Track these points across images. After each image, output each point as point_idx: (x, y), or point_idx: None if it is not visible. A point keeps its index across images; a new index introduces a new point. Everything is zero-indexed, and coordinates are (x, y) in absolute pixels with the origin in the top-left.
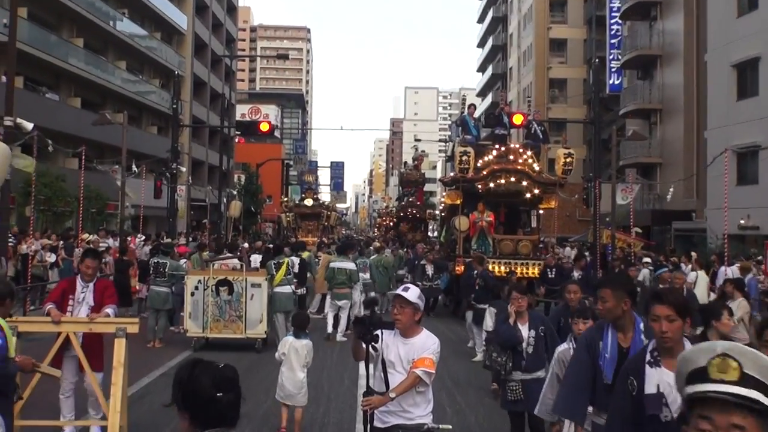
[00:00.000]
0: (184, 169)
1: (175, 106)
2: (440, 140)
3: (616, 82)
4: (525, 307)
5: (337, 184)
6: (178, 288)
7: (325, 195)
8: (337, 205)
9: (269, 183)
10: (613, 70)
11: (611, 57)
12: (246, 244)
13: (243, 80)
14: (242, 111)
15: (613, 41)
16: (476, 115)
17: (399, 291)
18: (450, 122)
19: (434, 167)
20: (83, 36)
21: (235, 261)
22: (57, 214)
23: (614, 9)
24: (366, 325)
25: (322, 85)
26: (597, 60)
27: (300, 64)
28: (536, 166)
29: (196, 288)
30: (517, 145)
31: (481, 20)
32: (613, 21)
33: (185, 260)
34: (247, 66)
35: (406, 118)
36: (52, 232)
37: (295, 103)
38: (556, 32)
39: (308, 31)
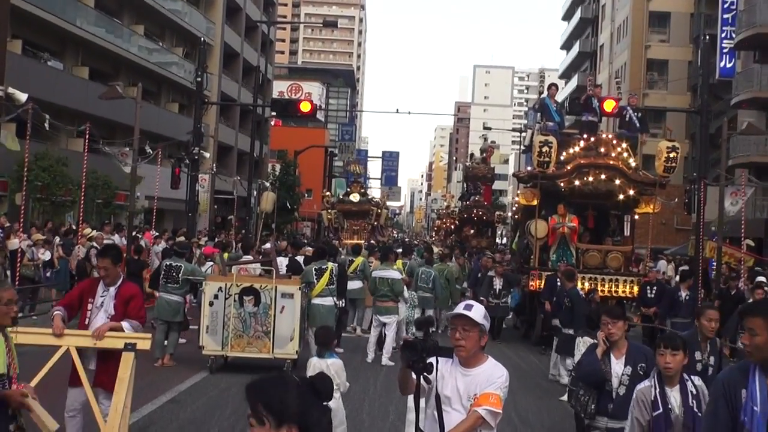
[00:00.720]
0: (207, 155)
1: (199, 79)
2: (514, 129)
3: (729, 66)
4: (619, 335)
5: (389, 178)
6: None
7: (375, 191)
8: (390, 203)
9: (310, 174)
10: (725, 50)
11: (723, 35)
12: (268, 245)
13: (283, 52)
14: (280, 88)
15: (726, 16)
16: (559, 98)
17: (461, 309)
18: (527, 108)
19: (506, 161)
20: None
21: (257, 265)
22: (56, 204)
23: None
24: (418, 351)
25: (377, 61)
26: (707, 37)
27: (351, 35)
28: (632, 162)
29: (216, 297)
30: (610, 136)
31: None
32: None
33: (211, 263)
34: (288, 36)
35: (474, 102)
36: (52, 226)
37: (344, 80)
38: (658, 4)
39: None
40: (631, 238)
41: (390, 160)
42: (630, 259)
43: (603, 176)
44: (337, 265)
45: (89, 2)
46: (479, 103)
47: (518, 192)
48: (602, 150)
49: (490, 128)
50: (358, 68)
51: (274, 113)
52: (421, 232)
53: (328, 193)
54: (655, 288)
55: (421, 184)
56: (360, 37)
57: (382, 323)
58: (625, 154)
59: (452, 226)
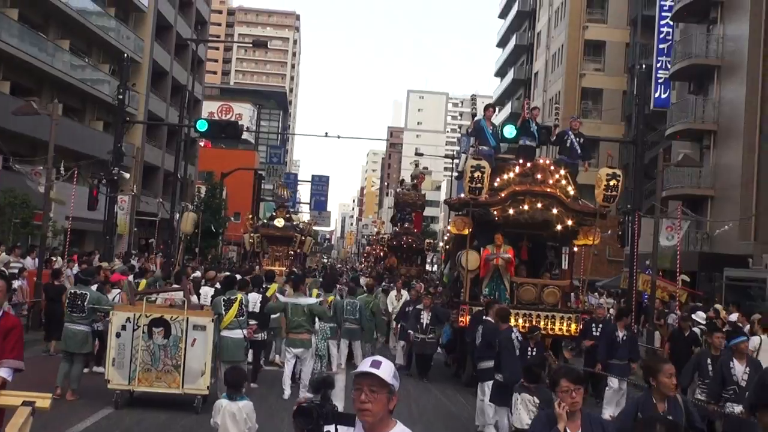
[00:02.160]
0: (127, 175)
1: (120, 96)
2: (447, 156)
3: (664, 96)
4: (580, 404)
5: (318, 203)
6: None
7: (304, 215)
8: (320, 228)
9: (239, 198)
10: (660, 81)
11: (659, 65)
12: (197, 273)
13: (215, 72)
14: (211, 109)
15: (662, 46)
16: (494, 119)
17: (367, 366)
18: (460, 134)
19: (438, 188)
20: (18, 7)
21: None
22: None
23: (665, 8)
24: (313, 418)
25: (311, 83)
26: (643, 66)
27: (284, 57)
28: (571, 190)
29: (124, 328)
30: (547, 161)
31: (503, 15)
32: (663, 22)
33: (119, 292)
34: (221, 56)
35: (407, 127)
36: None
37: (276, 102)
38: (594, 33)
39: (297, 17)
40: (570, 272)
41: (320, 184)
42: (568, 294)
43: (539, 205)
44: (258, 296)
45: (12, 15)
46: (412, 129)
47: (450, 220)
48: (539, 177)
49: (422, 154)
50: (291, 90)
51: (196, 134)
52: (350, 258)
53: (251, 216)
54: (601, 326)
55: (353, 209)
56: (294, 59)
57: (295, 356)
58: (564, 182)
59: (381, 253)
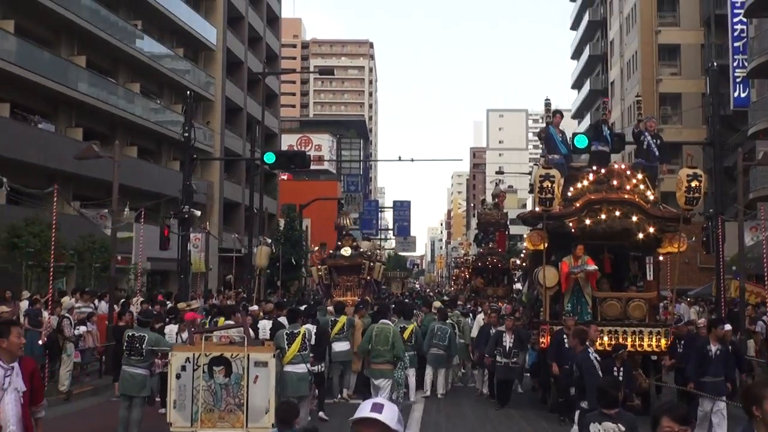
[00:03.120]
0: (198, 213)
1: (186, 134)
2: (530, 173)
3: (743, 95)
4: None
5: (401, 229)
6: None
7: (392, 242)
8: (407, 254)
9: (323, 229)
10: (738, 80)
11: (735, 64)
12: (255, 307)
13: (294, 106)
14: (290, 142)
15: (736, 44)
16: (573, 130)
17: (367, 411)
18: (542, 150)
19: (524, 206)
20: (86, 53)
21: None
22: (46, 269)
23: (737, 5)
24: None
25: (389, 110)
26: (715, 65)
27: (361, 85)
28: (650, 195)
29: (183, 368)
30: (623, 166)
31: (575, 26)
32: (736, 20)
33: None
34: (298, 89)
35: (489, 147)
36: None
37: (356, 131)
38: (667, 36)
39: (371, 45)
40: (656, 283)
41: (401, 210)
42: (655, 306)
43: (617, 213)
44: (313, 327)
45: (80, 62)
46: (494, 148)
47: (525, 236)
48: (615, 183)
49: (503, 172)
50: (370, 118)
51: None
52: (436, 283)
53: (316, 249)
54: (684, 341)
55: (441, 232)
56: (371, 87)
57: (377, 387)
58: (642, 187)
59: (467, 275)
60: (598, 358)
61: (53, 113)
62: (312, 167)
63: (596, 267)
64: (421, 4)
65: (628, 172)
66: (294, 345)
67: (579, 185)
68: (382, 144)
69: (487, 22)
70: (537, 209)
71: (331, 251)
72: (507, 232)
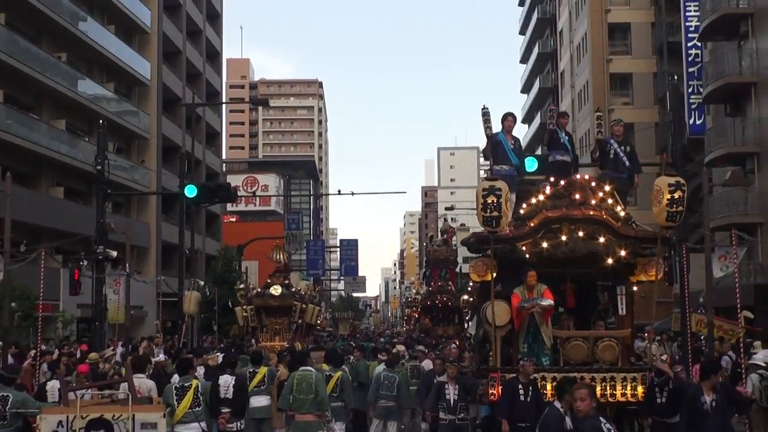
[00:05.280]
0: (114, 254)
1: (99, 167)
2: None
3: (698, 122)
4: None
5: (349, 268)
6: None
7: (341, 283)
8: (359, 295)
9: (270, 271)
10: (693, 106)
11: (690, 90)
12: (161, 356)
13: (242, 148)
14: (236, 182)
15: (691, 70)
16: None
17: None
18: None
19: None
20: (3, 87)
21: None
22: None
23: (691, 29)
24: None
25: (339, 150)
26: (674, 77)
27: (311, 125)
28: (620, 211)
29: None
30: (587, 177)
31: (524, 60)
32: (690, 44)
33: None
34: (247, 131)
35: (440, 185)
36: None
37: (305, 172)
38: (618, 65)
39: (320, 85)
40: (630, 319)
41: (348, 249)
42: (629, 346)
43: (581, 233)
44: (231, 378)
45: None
46: (445, 186)
47: (469, 266)
48: (577, 197)
49: (452, 207)
50: (321, 159)
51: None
52: (390, 323)
53: (242, 287)
54: (666, 389)
55: (395, 272)
56: (320, 126)
57: None
58: (610, 201)
59: (416, 315)
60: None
61: None
62: (258, 208)
63: (551, 302)
64: (369, 41)
65: (593, 184)
66: (185, 401)
67: (534, 201)
68: (333, 183)
69: (437, 58)
70: (481, 232)
71: (258, 290)
72: (458, 270)
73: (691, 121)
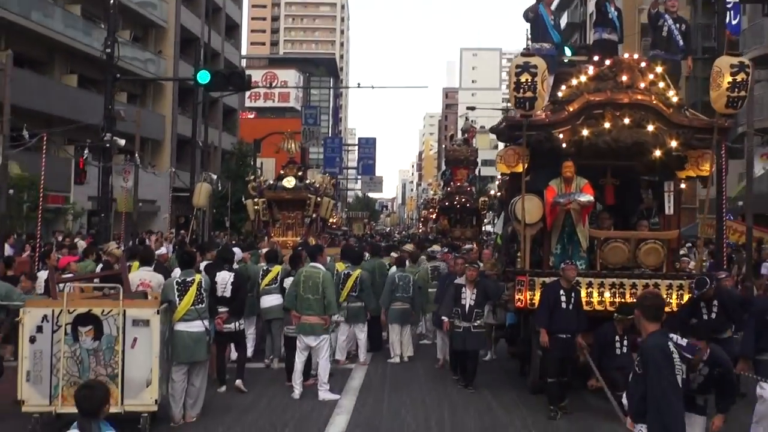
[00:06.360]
0: (122, 142)
1: (108, 49)
2: (504, 109)
3: (734, 23)
4: None
5: (366, 167)
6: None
7: (358, 182)
8: (375, 195)
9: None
10: (728, 5)
11: None
12: (162, 249)
13: (263, 44)
14: (255, 78)
15: None
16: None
17: None
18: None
19: (496, 146)
20: None
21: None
22: None
23: None
24: None
25: (361, 48)
26: None
27: (333, 22)
28: (673, 96)
29: (40, 329)
30: (636, 56)
31: None
32: None
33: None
34: (269, 26)
35: (462, 86)
36: None
37: (325, 69)
38: None
39: None
40: (677, 219)
41: (366, 147)
42: (675, 250)
43: (627, 120)
44: (228, 274)
45: None
46: (467, 88)
47: (498, 155)
48: (624, 79)
49: (474, 108)
50: (342, 57)
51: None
52: (406, 225)
53: (252, 177)
54: (715, 304)
55: (412, 174)
56: (342, 24)
57: (307, 346)
58: (662, 85)
59: (433, 216)
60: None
61: None
62: (277, 105)
63: (591, 198)
64: None
65: (642, 65)
66: (187, 297)
67: (574, 82)
68: (352, 83)
69: None
70: (514, 114)
71: (270, 182)
72: (478, 171)
73: (726, 21)
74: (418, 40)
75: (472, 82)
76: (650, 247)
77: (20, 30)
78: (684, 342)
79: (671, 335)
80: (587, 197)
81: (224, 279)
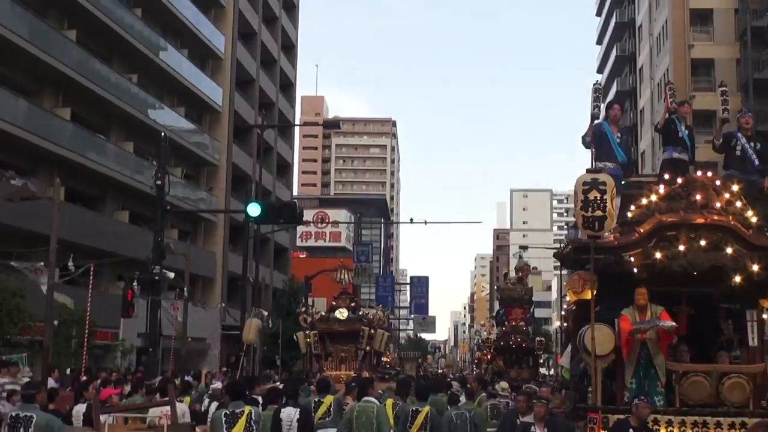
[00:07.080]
0: (172, 275)
1: (159, 182)
2: (557, 249)
3: None
4: None
5: (419, 306)
6: None
7: (410, 322)
8: (427, 336)
9: None
10: None
11: None
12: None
13: (314, 185)
14: (306, 218)
15: None
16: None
17: None
18: (566, 229)
19: (549, 288)
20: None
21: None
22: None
23: None
24: None
25: (411, 189)
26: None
27: (383, 164)
28: (752, 216)
29: None
30: (710, 174)
31: (600, 70)
32: None
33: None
34: (319, 168)
35: (513, 227)
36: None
37: (376, 209)
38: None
39: (393, 123)
40: (761, 351)
41: (419, 286)
42: (762, 386)
43: (702, 242)
44: (294, 410)
45: (64, 114)
46: (518, 229)
47: (565, 284)
48: (698, 198)
49: (526, 247)
50: (392, 198)
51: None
52: (459, 368)
53: (303, 310)
54: None
55: (464, 316)
56: (392, 166)
57: None
58: (739, 204)
59: (488, 357)
60: None
61: (32, 170)
62: (328, 244)
63: (674, 324)
64: (444, 82)
65: (717, 183)
66: (236, 429)
67: (644, 201)
68: (403, 225)
69: (507, 101)
70: (578, 237)
71: (322, 313)
72: (532, 310)
73: None
74: (468, 181)
75: (523, 222)
76: (734, 381)
77: (73, 166)
78: None
79: None
80: (670, 324)
81: (290, 416)
